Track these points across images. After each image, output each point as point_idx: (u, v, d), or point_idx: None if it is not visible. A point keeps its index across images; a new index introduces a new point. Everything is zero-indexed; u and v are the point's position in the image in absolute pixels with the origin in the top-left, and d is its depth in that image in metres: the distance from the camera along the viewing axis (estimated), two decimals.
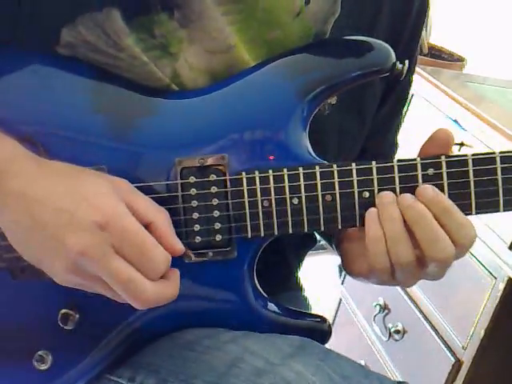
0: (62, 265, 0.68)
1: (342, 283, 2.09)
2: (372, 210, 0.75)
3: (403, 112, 1.02)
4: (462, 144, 1.63)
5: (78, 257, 0.66)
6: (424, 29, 1.95)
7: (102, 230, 0.66)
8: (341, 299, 2.10)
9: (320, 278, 2.30)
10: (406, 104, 1.01)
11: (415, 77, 1.69)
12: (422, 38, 2.15)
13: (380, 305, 1.87)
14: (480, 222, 1.49)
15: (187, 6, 0.77)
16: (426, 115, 1.83)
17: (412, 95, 1.87)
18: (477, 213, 0.76)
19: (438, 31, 2.27)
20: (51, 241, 0.67)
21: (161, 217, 0.72)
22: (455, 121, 1.70)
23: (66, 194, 0.68)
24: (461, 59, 2.21)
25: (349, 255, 0.87)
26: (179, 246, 0.72)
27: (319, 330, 0.85)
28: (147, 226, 0.70)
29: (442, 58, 2.19)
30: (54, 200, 0.67)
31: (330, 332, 0.85)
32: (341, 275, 2.11)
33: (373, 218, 0.74)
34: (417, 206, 0.73)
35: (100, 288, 0.69)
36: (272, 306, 0.82)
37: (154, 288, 0.68)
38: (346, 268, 0.88)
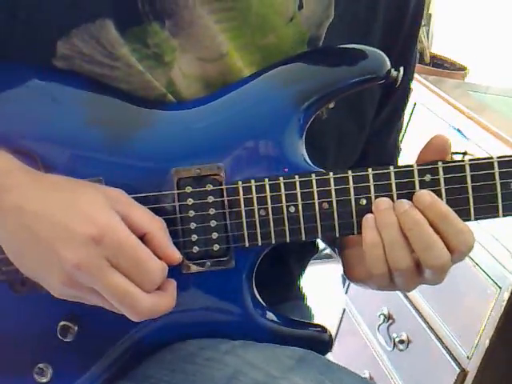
0: (57, 278, 0.68)
1: (346, 292, 2.08)
2: (368, 216, 0.74)
3: (403, 117, 1.02)
4: (465, 153, 1.63)
5: (73, 270, 0.66)
6: (426, 38, 1.96)
7: (97, 243, 0.66)
8: (344, 309, 2.09)
9: (324, 287, 2.30)
10: (406, 109, 1.01)
11: (418, 86, 1.69)
12: (424, 47, 2.16)
13: (384, 314, 1.86)
14: (484, 231, 1.48)
15: (177, 16, 0.77)
16: (429, 124, 1.83)
17: (414, 104, 1.87)
18: (476, 218, 0.75)
19: (439, 41, 2.27)
20: (47, 254, 0.67)
21: (156, 226, 0.72)
22: (458, 130, 1.70)
23: (61, 207, 0.68)
24: (463, 68, 2.21)
25: (349, 261, 0.87)
26: (176, 255, 0.72)
27: (320, 340, 0.84)
28: (143, 237, 0.70)
29: (444, 67, 2.20)
30: (50, 214, 0.68)
31: (331, 342, 0.85)
32: (344, 284, 2.10)
33: (369, 224, 0.74)
34: (412, 212, 0.73)
35: (96, 300, 0.69)
36: (271, 316, 0.82)
37: (149, 300, 0.68)
38: (347, 274, 0.88)
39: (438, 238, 0.72)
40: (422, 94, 1.87)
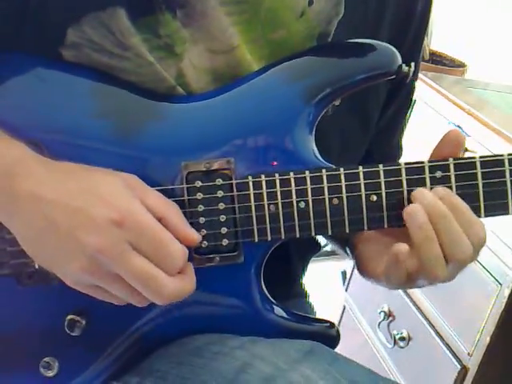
0: (77, 265, 0.67)
1: (346, 290, 2.08)
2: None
3: (407, 115, 1.02)
4: (465, 149, 1.63)
5: (96, 255, 0.66)
6: (425, 35, 1.95)
7: (119, 227, 0.66)
8: (345, 306, 2.10)
9: (324, 284, 2.29)
10: (410, 108, 1.01)
11: (417, 82, 1.69)
12: (424, 43, 2.15)
13: (384, 312, 1.86)
14: (485, 227, 1.48)
15: (190, 6, 0.77)
16: (429, 121, 1.83)
17: (414, 101, 1.87)
18: (485, 215, 0.76)
19: (438, 37, 2.27)
20: (66, 241, 0.67)
21: (172, 210, 0.72)
22: (458, 126, 1.70)
23: (79, 193, 0.68)
24: (462, 65, 2.21)
25: (364, 257, 0.86)
26: (195, 236, 0.72)
27: (327, 336, 0.84)
28: (160, 220, 0.69)
29: (444, 63, 2.20)
30: (68, 200, 0.67)
31: (339, 337, 0.85)
32: (344, 282, 2.10)
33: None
34: (440, 205, 0.72)
35: (116, 286, 0.69)
36: (279, 311, 0.82)
37: (173, 283, 0.68)
38: (361, 270, 0.87)
39: (462, 231, 0.72)
40: (422, 90, 1.87)
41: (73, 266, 0.68)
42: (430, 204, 0.73)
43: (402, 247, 0.73)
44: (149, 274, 0.67)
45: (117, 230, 0.66)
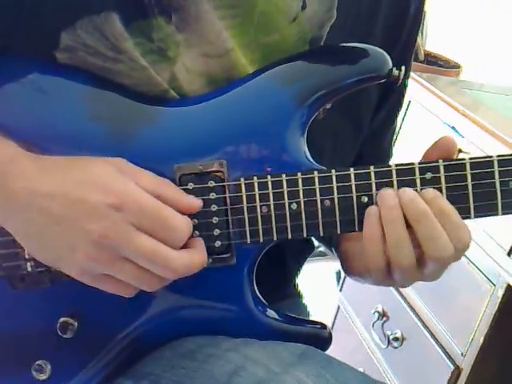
0: (83, 253, 0.68)
1: (340, 290, 2.08)
2: (372, 209, 0.74)
3: (397, 118, 1.03)
4: (459, 150, 1.63)
5: (101, 240, 0.67)
6: (420, 36, 1.96)
7: (118, 210, 0.67)
8: (339, 306, 2.10)
9: (318, 284, 2.30)
10: (401, 109, 1.02)
11: (412, 83, 1.70)
12: (418, 44, 2.15)
13: (379, 312, 1.86)
14: (478, 228, 1.49)
15: (184, 10, 0.77)
16: (424, 122, 1.83)
17: (409, 102, 1.88)
18: (475, 216, 0.76)
19: (433, 38, 2.27)
20: (69, 232, 0.68)
21: (166, 185, 0.73)
22: (453, 127, 1.70)
23: (74, 183, 0.69)
24: (457, 66, 2.21)
25: (347, 255, 0.87)
26: (196, 202, 0.74)
27: (319, 337, 0.84)
28: (157, 198, 0.70)
29: (438, 64, 2.20)
30: (64, 192, 0.68)
31: (331, 339, 0.85)
32: (339, 282, 2.10)
33: (372, 218, 0.74)
34: (419, 202, 0.73)
35: (124, 270, 0.70)
36: (272, 313, 0.82)
37: (181, 256, 0.70)
38: (344, 268, 0.88)
39: (442, 228, 0.73)
40: (417, 91, 1.87)
41: (79, 256, 0.68)
42: (408, 199, 0.73)
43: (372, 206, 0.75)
44: (155, 249, 0.68)
45: (117, 214, 0.67)
